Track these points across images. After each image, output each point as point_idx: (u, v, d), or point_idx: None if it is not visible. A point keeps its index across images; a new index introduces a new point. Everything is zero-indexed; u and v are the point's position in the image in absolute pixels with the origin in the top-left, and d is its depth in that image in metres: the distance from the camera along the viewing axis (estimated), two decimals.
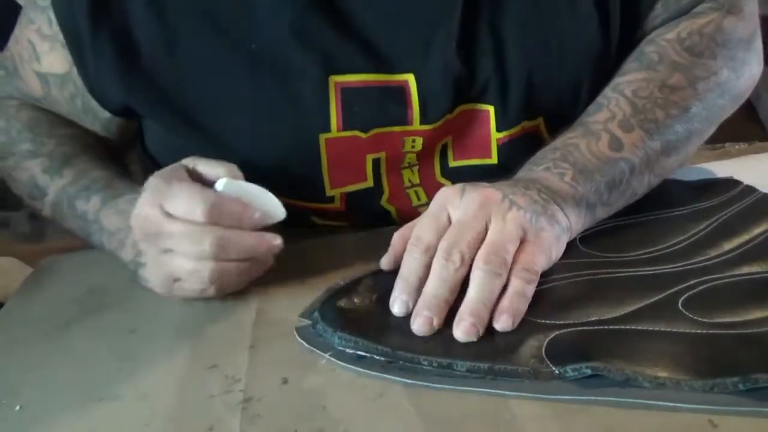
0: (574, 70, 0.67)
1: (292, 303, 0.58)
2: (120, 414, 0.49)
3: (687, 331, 0.50)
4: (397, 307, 0.53)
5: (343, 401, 0.48)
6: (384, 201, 0.68)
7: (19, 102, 0.74)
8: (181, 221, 0.54)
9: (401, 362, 0.49)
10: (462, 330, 0.50)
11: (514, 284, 0.52)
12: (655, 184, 0.64)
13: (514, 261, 0.53)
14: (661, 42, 0.67)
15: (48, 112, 0.73)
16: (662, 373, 0.46)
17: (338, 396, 0.48)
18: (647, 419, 0.44)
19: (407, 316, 0.52)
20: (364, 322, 0.53)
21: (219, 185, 0.56)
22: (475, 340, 0.50)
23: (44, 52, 0.68)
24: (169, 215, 0.54)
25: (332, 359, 0.51)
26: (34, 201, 0.70)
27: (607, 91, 0.65)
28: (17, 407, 0.51)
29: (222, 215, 0.54)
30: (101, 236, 0.63)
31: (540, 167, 0.60)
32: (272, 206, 0.57)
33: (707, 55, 0.66)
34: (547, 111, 0.67)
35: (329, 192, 0.66)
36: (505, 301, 0.51)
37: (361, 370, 0.50)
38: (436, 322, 0.51)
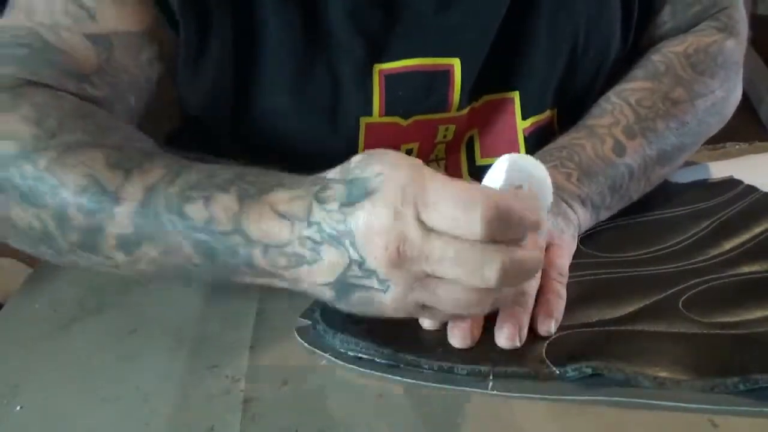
0: (597, 56, 0.67)
1: (292, 303, 0.58)
2: (120, 414, 0.49)
3: (687, 331, 0.50)
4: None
5: (343, 401, 0.48)
6: None
7: (49, 89, 0.53)
8: (451, 239, 0.40)
9: (402, 365, 0.49)
10: (506, 336, 0.49)
11: (555, 288, 0.52)
12: (646, 192, 0.65)
13: (548, 264, 0.53)
14: (669, 54, 0.69)
15: (98, 108, 0.55)
16: (663, 373, 0.46)
17: (338, 396, 0.48)
18: (647, 419, 0.44)
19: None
20: (365, 322, 0.53)
21: (499, 174, 0.42)
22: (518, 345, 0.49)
23: (105, 4, 0.55)
24: (429, 230, 0.40)
25: (332, 359, 0.51)
26: (91, 218, 0.47)
27: (612, 97, 0.66)
28: (18, 407, 0.51)
29: (508, 227, 0.41)
30: (249, 251, 0.44)
31: (547, 165, 0.60)
32: (547, 191, 0.46)
33: (708, 74, 0.68)
34: (567, 100, 0.68)
35: None
36: (551, 307, 0.51)
37: (362, 370, 0.50)
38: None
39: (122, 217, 0.46)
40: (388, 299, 0.43)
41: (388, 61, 0.61)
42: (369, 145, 0.63)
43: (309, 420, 0.47)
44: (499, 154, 0.67)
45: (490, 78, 0.65)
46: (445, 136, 0.66)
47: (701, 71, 0.68)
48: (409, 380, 0.48)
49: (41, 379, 0.54)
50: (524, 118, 0.67)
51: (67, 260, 0.51)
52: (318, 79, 0.61)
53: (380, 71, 0.61)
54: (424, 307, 0.44)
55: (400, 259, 0.41)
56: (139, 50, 0.57)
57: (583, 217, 0.58)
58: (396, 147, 0.64)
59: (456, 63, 0.62)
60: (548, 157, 0.61)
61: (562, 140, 0.63)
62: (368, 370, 0.50)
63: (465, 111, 0.65)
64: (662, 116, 0.64)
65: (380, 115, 0.62)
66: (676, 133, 0.64)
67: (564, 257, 0.54)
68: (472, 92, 0.65)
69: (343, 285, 0.43)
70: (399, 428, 0.46)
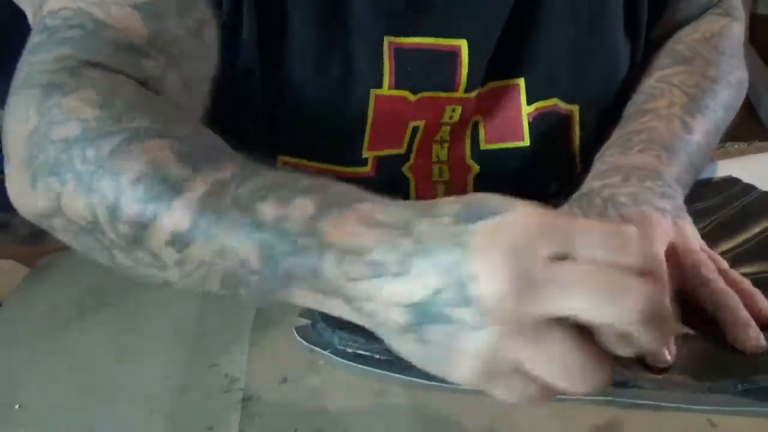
0: (607, 49, 0.68)
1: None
2: (120, 413, 0.49)
3: (687, 331, 0.50)
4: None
5: (342, 401, 0.48)
6: (406, 168, 0.68)
7: (109, 72, 0.51)
8: (588, 263, 0.33)
9: (402, 361, 0.49)
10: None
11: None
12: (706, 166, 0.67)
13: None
14: (689, 41, 0.71)
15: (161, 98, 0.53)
16: (662, 375, 0.46)
17: (338, 395, 0.49)
18: (647, 419, 0.44)
19: None
20: None
21: None
22: None
23: None
24: (562, 258, 0.34)
25: (332, 356, 0.51)
26: (146, 209, 0.42)
27: (652, 82, 0.68)
28: (16, 406, 0.51)
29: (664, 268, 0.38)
30: (319, 256, 0.38)
31: (633, 150, 0.61)
32: None
33: (728, 53, 0.71)
34: (581, 94, 0.68)
35: (365, 153, 0.66)
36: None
37: (362, 367, 0.50)
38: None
39: (179, 211, 0.42)
40: (476, 343, 0.34)
41: (399, 35, 0.62)
42: (377, 118, 0.64)
43: (308, 419, 0.47)
44: (503, 139, 0.68)
45: (498, 65, 0.66)
46: (451, 117, 0.66)
47: (722, 52, 0.70)
48: (408, 377, 0.48)
49: (40, 378, 0.54)
50: (529, 103, 0.67)
51: (106, 256, 0.46)
52: (334, 50, 0.62)
53: (390, 44, 0.62)
54: (510, 373, 0.34)
55: (514, 289, 0.33)
56: (183, 14, 0.56)
57: (681, 200, 0.58)
58: (403, 123, 0.65)
59: (463, 44, 0.63)
60: (627, 142, 0.62)
61: (632, 126, 0.64)
62: (368, 368, 0.50)
63: (473, 94, 0.65)
64: (708, 94, 0.66)
65: (389, 88, 0.63)
66: (721, 107, 0.67)
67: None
68: (480, 78, 0.65)
69: (424, 311, 0.35)
70: (398, 428, 0.46)
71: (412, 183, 0.69)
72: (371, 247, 0.36)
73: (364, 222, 0.38)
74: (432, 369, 0.37)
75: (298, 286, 0.40)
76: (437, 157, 0.69)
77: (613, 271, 0.33)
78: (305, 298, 0.40)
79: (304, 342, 0.53)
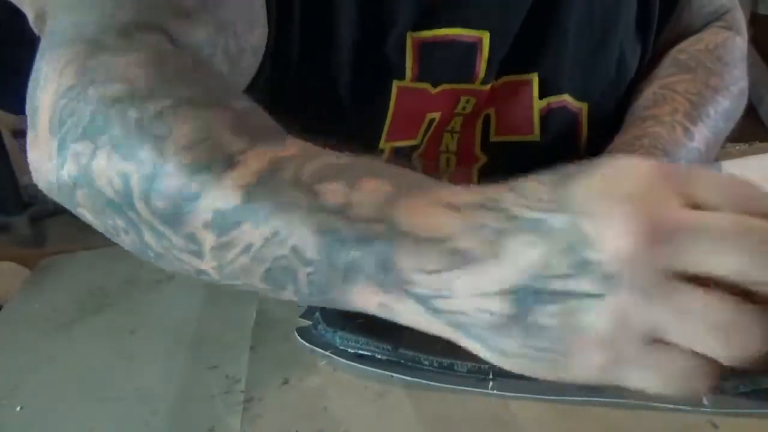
0: (618, 50, 0.69)
1: (293, 303, 0.58)
2: (120, 414, 0.49)
3: None
4: None
5: (343, 402, 0.48)
6: (415, 156, 0.69)
7: (161, 38, 0.46)
8: (734, 214, 0.31)
9: (402, 361, 0.49)
10: None
11: None
12: None
13: None
14: (692, 51, 0.72)
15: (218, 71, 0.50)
16: None
17: (339, 396, 0.48)
18: (647, 420, 0.44)
19: None
20: (365, 319, 0.53)
21: None
22: None
23: None
24: (696, 207, 0.30)
25: (333, 356, 0.51)
26: (190, 181, 0.37)
27: (656, 89, 0.69)
28: (18, 407, 0.51)
29: None
30: (390, 246, 0.33)
31: (635, 153, 0.61)
32: None
33: (732, 64, 0.72)
34: (591, 92, 0.69)
35: (382, 145, 0.66)
36: None
37: (363, 367, 0.50)
38: None
39: (230, 187, 0.36)
40: (604, 314, 0.29)
41: (424, 29, 0.62)
42: (398, 109, 0.64)
43: (309, 420, 0.47)
44: (514, 132, 0.69)
45: (514, 59, 0.66)
46: (464, 108, 0.67)
47: (726, 62, 0.71)
48: (409, 378, 0.48)
49: (41, 380, 0.54)
50: (541, 98, 0.68)
51: (133, 238, 0.40)
52: (358, 40, 0.62)
53: (414, 39, 0.62)
54: (642, 349, 0.29)
55: (642, 242, 0.28)
56: None
57: None
58: (422, 114, 0.66)
59: (485, 36, 0.63)
60: (630, 146, 0.62)
61: (634, 130, 0.65)
62: (369, 368, 0.50)
63: (487, 87, 0.66)
64: (710, 102, 0.67)
65: (412, 80, 0.63)
66: (722, 117, 0.67)
67: None
68: (496, 70, 0.66)
69: (530, 292, 0.30)
70: (399, 428, 0.46)
71: (420, 170, 0.69)
72: (453, 232, 0.33)
73: (444, 205, 0.34)
74: (544, 370, 0.32)
75: (360, 283, 0.35)
76: (446, 146, 0.69)
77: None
78: (365, 299, 0.36)
79: (306, 343, 0.53)
